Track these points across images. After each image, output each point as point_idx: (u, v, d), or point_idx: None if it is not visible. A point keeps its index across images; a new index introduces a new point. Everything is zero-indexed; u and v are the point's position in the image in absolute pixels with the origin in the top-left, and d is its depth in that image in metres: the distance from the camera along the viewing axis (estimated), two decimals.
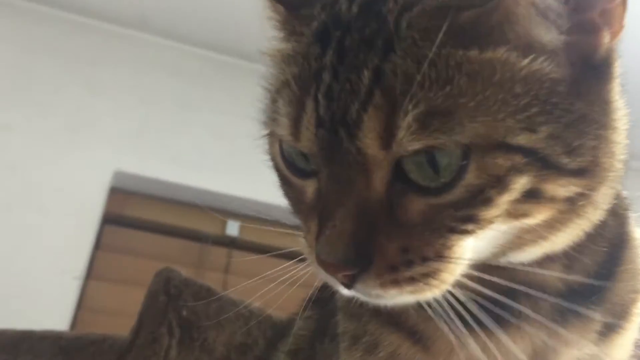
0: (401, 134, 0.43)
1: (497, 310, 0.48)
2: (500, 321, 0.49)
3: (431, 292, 0.46)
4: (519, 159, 0.43)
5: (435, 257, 0.45)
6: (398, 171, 0.45)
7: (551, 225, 0.47)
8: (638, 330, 0.58)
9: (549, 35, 0.45)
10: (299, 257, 0.52)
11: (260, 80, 0.54)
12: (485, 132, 0.43)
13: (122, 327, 1.13)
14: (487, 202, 0.44)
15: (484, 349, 0.49)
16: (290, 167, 0.50)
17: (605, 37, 0.47)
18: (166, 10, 2.56)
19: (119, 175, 2.42)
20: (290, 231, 0.53)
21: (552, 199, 0.45)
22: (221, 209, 2.37)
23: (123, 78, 2.58)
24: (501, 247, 0.48)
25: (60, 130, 2.42)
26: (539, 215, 0.46)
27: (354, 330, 0.56)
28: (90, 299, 2.24)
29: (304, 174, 0.50)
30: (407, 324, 0.54)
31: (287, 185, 0.52)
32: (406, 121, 0.43)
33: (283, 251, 0.56)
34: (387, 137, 0.44)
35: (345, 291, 0.47)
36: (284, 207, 0.55)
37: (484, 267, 0.48)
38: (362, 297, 0.48)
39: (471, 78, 0.44)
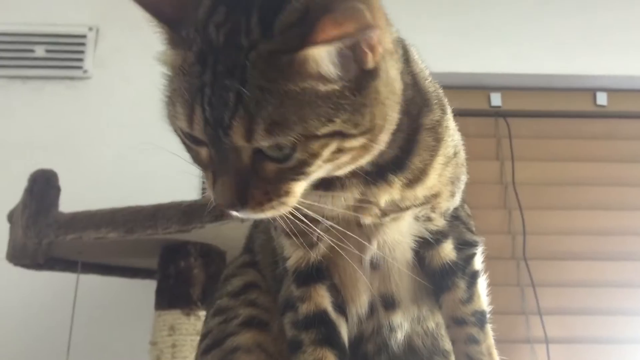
0: (257, 136, 0.66)
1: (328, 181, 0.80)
2: (336, 187, 0.82)
3: (284, 210, 0.73)
4: (325, 140, 0.68)
5: (284, 194, 0.72)
6: (258, 149, 0.69)
7: (356, 157, 0.73)
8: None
9: (334, 69, 0.68)
10: None
11: None
12: (303, 131, 0.67)
13: None
14: (309, 165, 0.70)
15: (331, 199, 0.83)
16: (187, 137, 0.73)
17: (370, 58, 0.69)
18: None
19: None
20: None
21: (351, 149, 0.71)
22: None
23: None
24: (332, 171, 0.75)
25: None
26: (346, 157, 0.72)
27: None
28: None
29: (198, 143, 0.73)
30: None
31: (186, 147, 0.76)
32: (258, 130, 0.66)
33: None
34: (248, 137, 0.66)
35: (234, 214, 0.74)
36: None
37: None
38: (244, 217, 0.75)
39: (293, 100, 0.66)
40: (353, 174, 0.81)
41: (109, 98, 2.49)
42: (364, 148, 0.72)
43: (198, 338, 1.67)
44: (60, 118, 2.51)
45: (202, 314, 1.72)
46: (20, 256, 1.71)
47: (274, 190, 0.71)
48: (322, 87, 0.67)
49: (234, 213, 0.73)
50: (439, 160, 0.86)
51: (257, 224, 1.13)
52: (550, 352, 2.32)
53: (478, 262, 1.01)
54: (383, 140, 0.74)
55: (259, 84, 0.65)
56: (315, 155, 0.69)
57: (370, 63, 0.69)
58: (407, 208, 0.87)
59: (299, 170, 0.70)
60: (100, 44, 2.62)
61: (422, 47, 2.80)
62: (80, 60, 2.59)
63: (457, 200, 0.96)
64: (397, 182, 0.83)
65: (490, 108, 2.70)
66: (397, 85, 0.76)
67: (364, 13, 0.62)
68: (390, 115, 0.74)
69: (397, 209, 0.87)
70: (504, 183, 2.59)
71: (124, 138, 2.39)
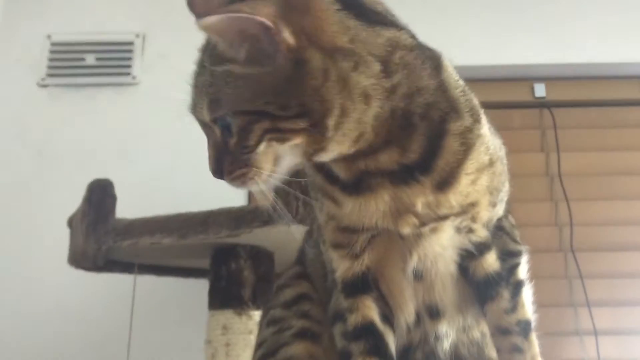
0: (204, 111, 0.81)
1: (358, 185, 0.87)
2: (364, 189, 0.87)
3: (253, 183, 0.83)
4: (250, 116, 0.79)
5: (243, 166, 0.81)
6: (223, 127, 0.82)
7: (315, 142, 0.80)
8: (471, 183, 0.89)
9: (244, 54, 0.78)
10: None
11: None
12: (230, 107, 0.79)
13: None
14: (247, 139, 0.80)
15: (363, 203, 0.88)
16: None
17: (285, 49, 0.77)
18: None
19: None
20: None
21: (293, 130, 0.79)
22: None
23: None
24: (302, 155, 0.83)
25: None
26: (296, 139, 0.80)
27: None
28: None
29: None
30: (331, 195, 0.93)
31: None
32: (205, 106, 0.81)
33: None
34: (201, 112, 0.82)
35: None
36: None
37: (321, 165, 0.89)
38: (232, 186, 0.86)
39: (221, 80, 0.79)
40: (376, 174, 0.86)
41: (158, 103, 2.54)
42: (313, 132, 0.79)
43: (250, 337, 1.76)
44: (113, 124, 2.61)
45: (253, 313, 1.79)
46: (81, 260, 1.80)
47: (237, 161, 0.82)
48: (239, 70, 0.79)
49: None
50: (469, 165, 0.88)
51: (307, 238, 1.18)
52: (600, 344, 2.32)
53: (522, 272, 1.02)
54: (335, 127, 0.80)
55: (208, 69, 0.81)
56: (246, 130, 0.80)
57: (286, 53, 0.77)
58: (445, 217, 0.90)
59: (243, 144, 0.81)
60: (147, 50, 2.71)
61: (463, 40, 2.79)
62: (129, 67, 2.68)
63: (499, 210, 0.97)
64: (428, 182, 0.86)
65: (535, 99, 2.68)
66: (356, 81, 0.80)
67: (249, 16, 0.76)
68: (339, 104, 0.79)
69: (434, 216, 0.89)
70: (550, 175, 2.58)
71: (173, 142, 2.47)
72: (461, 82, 0.92)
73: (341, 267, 0.96)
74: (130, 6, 2.78)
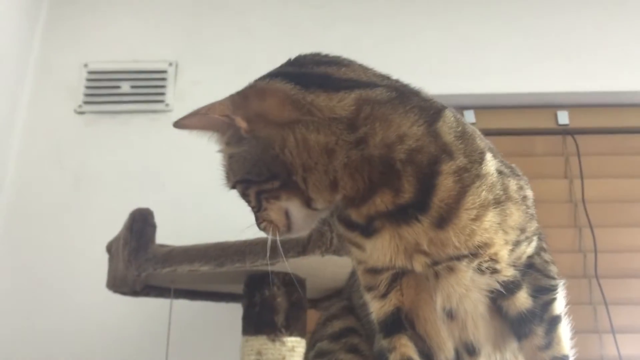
0: (225, 182, 1.00)
1: (368, 227, 0.95)
2: (373, 231, 0.94)
3: (270, 231, 0.99)
4: (242, 184, 0.97)
5: (262, 221, 0.99)
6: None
7: (299, 194, 0.94)
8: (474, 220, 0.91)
9: (224, 139, 0.97)
10: None
11: None
12: (232, 178, 0.98)
13: None
14: (249, 201, 0.99)
15: (375, 244, 0.95)
16: None
17: (243, 132, 0.94)
18: None
19: None
20: None
21: (272, 189, 0.94)
22: None
23: None
24: (302, 205, 0.95)
25: None
26: (284, 195, 0.94)
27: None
28: None
29: None
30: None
31: None
32: (224, 178, 1.00)
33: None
34: (225, 183, 1.01)
35: None
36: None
37: (340, 216, 0.99)
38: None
39: (224, 159, 0.99)
40: (378, 216, 0.92)
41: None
42: (290, 188, 0.93)
43: None
44: (147, 149, 2.70)
45: (286, 339, 1.85)
46: (120, 285, 1.87)
47: (257, 218, 1.00)
48: (227, 150, 0.97)
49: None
50: (469, 201, 0.90)
51: (352, 282, 1.23)
52: None
53: (558, 307, 1.02)
54: (304, 181, 0.93)
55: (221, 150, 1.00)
56: (245, 194, 0.98)
57: (245, 134, 0.94)
58: (455, 257, 0.92)
59: (250, 205, 0.99)
60: (180, 78, 2.80)
61: (487, 68, 2.83)
62: (162, 94, 2.77)
63: (526, 249, 0.98)
64: (427, 220, 0.90)
65: (558, 126, 2.72)
66: (316, 141, 0.92)
67: (205, 113, 0.94)
68: (301, 163, 0.92)
69: (444, 255, 0.92)
70: (573, 201, 2.61)
71: (206, 169, 2.53)
72: (461, 129, 0.95)
73: (374, 308, 1.01)
74: (164, 36, 2.88)
